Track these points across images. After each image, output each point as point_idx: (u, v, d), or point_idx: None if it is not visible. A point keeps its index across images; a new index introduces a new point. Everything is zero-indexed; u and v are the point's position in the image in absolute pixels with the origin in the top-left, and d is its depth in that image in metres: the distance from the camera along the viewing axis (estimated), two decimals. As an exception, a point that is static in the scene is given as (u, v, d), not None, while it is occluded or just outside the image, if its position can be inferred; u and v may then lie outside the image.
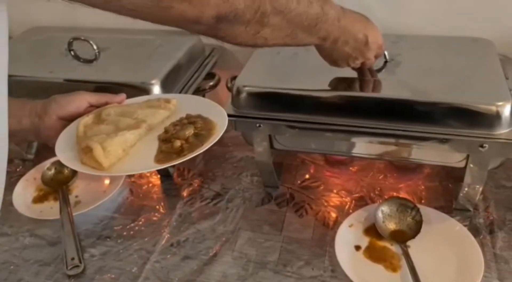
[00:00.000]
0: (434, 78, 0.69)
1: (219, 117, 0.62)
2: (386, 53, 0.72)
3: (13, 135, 0.64)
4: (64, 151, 0.59)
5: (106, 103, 0.67)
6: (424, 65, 0.73)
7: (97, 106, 0.67)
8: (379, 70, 0.73)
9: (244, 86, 0.71)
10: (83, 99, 0.66)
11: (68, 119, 0.64)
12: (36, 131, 0.64)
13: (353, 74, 0.71)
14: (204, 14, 0.46)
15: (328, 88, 0.70)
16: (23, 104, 0.64)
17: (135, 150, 0.60)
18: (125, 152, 0.58)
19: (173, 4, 0.44)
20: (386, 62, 0.74)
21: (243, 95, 0.71)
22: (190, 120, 0.62)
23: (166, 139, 0.60)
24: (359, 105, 0.67)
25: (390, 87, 0.69)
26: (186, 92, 0.83)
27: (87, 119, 0.63)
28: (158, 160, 0.57)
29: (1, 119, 0.46)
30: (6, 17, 0.41)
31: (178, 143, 0.57)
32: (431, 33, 0.83)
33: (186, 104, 0.67)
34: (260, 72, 0.76)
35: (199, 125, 0.60)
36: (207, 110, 0.64)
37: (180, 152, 0.57)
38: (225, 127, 0.60)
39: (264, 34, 0.52)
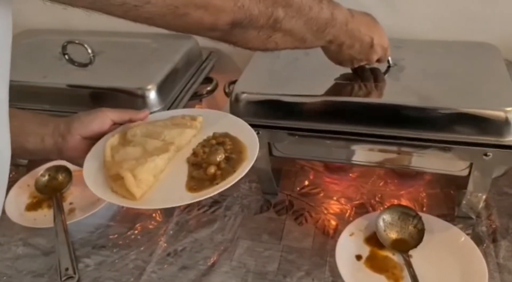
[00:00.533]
0: (439, 84, 0.67)
1: (248, 138, 0.59)
2: (389, 58, 0.70)
3: (36, 154, 0.62)
4: (95, 179, 0.56)
5: (130, 120, 0.64)
6: (429, 70, 0.71)
7: (120, 123, 0.65)
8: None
9: (243, 93, 0.69)
10: (106, 117, 0.63)
11: (92, 139, 0.62)
12: (59, 151, 0.61)
13: (356, 79, 0.69)
14: (220, 20, 0.46)
15: (330, 94, 0.68)
16: (46, 122, 0.62)
17: (165, 175, 0.57)
18: (155, 178, 0.56)
19: (190, 11, 0.44)
20: (389, 67, 0.72)
21: (242, 102, 0.69)
22: (218, 140, 0.60)
23: (196, 163, 0.57)
24: (363, 112, 0.65)
25: (394, 93, 0.67)
26: (183, 98, 0.81)
27: (113, 140, 0.60)
28: (190, 188, 0.54)
29: (2, 127, 0.44)
30: (10, 19, 0.39)
31: (212, 170, 0.55)
32: (434, 38, 0.81)
33: (211, 120, 0.64)
34: (260, 78, 0.74)
35: (228, 147, 0.58)
36: (234, 128, 0.62)
37: (212, 179, 0.54)
38: (257, 152, 0.57)
39: (275, 39, 0.53)
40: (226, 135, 0.61)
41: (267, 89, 0.70)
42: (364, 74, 0.70)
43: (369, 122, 0.65)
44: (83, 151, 0.60)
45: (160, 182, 0.56)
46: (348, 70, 0.70)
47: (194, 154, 0.59)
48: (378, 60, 0.68)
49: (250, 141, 0.59)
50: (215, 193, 0.52)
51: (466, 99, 0.63)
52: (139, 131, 0.62)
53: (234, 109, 0.70)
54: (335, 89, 0.69)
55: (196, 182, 0.55)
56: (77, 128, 0.61)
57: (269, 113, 0.68)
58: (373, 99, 0.67)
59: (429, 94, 0.65)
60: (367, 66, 0.70)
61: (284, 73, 0.74)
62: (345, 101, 0.67)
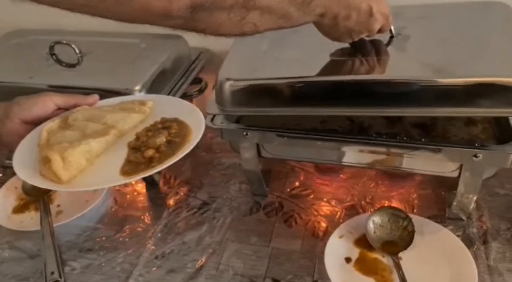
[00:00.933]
0: (452, 51, 0.60)
1: (196, 123, 0.58)
2: (392, 27, 0.63)
3: None
4: (23, 161, 0.55)
5: (76, 106, 0.62)
6: (437, 37, 0.64)
7: (67, 109, 0.62)
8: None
9: (228, 79, 0.62)
10: (49, 101, 0.60)
11: (34, 123, 0.60)
12: None
13: (355, 54, 0.63)
14: (174, 5, 0.41)
15: (327, 73, 0.61)
16: None
17: (102, 160, 0.55)
18: (89, 162, 0.54)
19: None
20: (392, 37, 0.64)
21: (227, 90, 0.62)
22: (165, 125, 0.58)
23: (136, 147, 0.55)
24: (367, 91, 0.58)
25: (403, 66, 0.60)
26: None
27: (52, 124, 0.58)
28: (124, 172, 0.52)
29: None
30: None
31: (149, 153, 0.53)
32: (437, 1, 0.72)
33: (163, 106, 0.63)
34: (245, 62, 0.68)
35: (174, 131, 0.56)
36: (185, 114, 0.60)
37: (149, 162, 0.52)
38: (200, 135, 0.56)
39: (252, 19, 0.46)
40: (175, 120, 0.59)
41: (255, 73, 0.64)
42: (365, 48, 0.63)
43: (376, 103, 0.58)
44: (22, 136, 0.58)
45: (94, 166, 0.54)
46: (345, 45, 0.63)
47: (137, 138, 0.57)
48: (380, 30, 0.60)
49: (197, 125, 0.58)
50: (146, 175, 0.51)
51: (488, 67, 0.56)
52: (81, 116, 0.60)
53: (220, 100, 0.64)
54: (332, 68, 0.62)
55: (132, 166, 0.53)
56: (16, 113, 0.59)
57: (259, 100, 0.62)
58: (378, 75, 0.60)
59: (443, 64, 0.57)
60: (367, 39, 0.62)
61: (272, 54, 0.67)
62: (345, 81, 0.59)
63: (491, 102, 0.55)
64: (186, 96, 0.84)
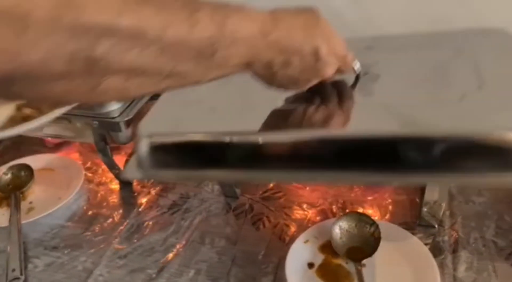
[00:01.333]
0: (431, 97, 0.48)
1: None
2: (357, 64, 0.50)
3: None
4: None
5: None
6: (414, 77, 0.51)
7: None
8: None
9: (147, 136, 0.49)
10: None
11: None
12: None
13: (312, 99, 0.50)
14: None
15: (271, 127, 0.48)
16: None
17: None
18: None
19: None
20: (357, 77, 0.51)
21: (147, 148, 0.48)
22: None
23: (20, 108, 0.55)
24: (319, 151, 0.45)
25: (367, 117, 0.46)
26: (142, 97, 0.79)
27: None
28: None
29: None
30: None
31: (27, 112, 0.52)
32: (418, 30, 0.60)
33: None
34: (172, 113, 0.55)
35: None
36: None
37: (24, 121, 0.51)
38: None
39: (112, 85, 0.32)
40: None
41: (181, 127, 0.51)
42: (324, 92, 0.50)
43: (334, 165, 0.45)
44: None
45: None
46: None
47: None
48: (338, 71, 0.47)
49: None
50: (11, 133, 0.51)
51: (479, 120, 0.42)
52: None
53: (139, 160, 0.50)
54: (278, 120, 0.48)
55: (10, 124, 0.52)
56: None
57: (186, 161, 0.49)
58: (335, 130, 0.46)
59: (418, 115, 0.44)
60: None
61: (207, 103, 0.54)
62: (292, 140, 0.45)
63: (485, 165, 0.41)
64: (157, 96, 0.83)
